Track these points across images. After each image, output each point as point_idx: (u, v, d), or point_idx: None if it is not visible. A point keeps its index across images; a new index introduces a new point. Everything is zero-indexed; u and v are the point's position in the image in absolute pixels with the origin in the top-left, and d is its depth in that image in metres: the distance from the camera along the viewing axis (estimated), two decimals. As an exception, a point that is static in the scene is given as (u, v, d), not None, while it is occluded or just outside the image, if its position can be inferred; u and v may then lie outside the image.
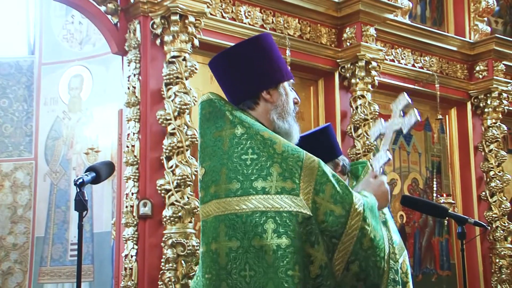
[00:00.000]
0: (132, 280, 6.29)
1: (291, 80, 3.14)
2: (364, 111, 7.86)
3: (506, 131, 9.67)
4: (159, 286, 6.21)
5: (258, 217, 2.73)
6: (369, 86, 7.98)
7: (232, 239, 2.75)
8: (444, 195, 8.72)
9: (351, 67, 7.93)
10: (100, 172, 3.65)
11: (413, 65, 8.94)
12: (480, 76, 9.53)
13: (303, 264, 2.72)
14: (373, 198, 2.93)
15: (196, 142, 6.40)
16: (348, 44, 7.98)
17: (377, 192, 3.01)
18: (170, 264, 6.18)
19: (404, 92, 3.09)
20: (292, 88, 3.13)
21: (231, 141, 2.87)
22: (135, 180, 6.43)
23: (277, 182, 2.77)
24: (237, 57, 3.16)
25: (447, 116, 9.53)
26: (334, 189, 2.80)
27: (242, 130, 2.88)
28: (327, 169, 2.84)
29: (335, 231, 2.76)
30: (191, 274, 6.12)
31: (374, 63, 7.94)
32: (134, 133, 6.50)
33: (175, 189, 6.27)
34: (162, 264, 6.22)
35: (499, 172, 9.37)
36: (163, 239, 6.26)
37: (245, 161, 2.82)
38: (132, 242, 6.36)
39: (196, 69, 6.50)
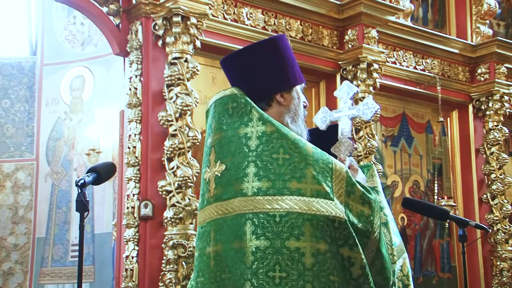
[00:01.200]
0: (133, 281, 6.28)
1: (303, 84, 3.14)
2: (365, 113, 7.85)
3: (507, 134, 9.67)
4: (159, 287, 6.21)
5: (294, 218, 2.71)
6: (371, 88, 7.97)
7: (261, 238, 2.71)
8: (445, 198, 8.71)
9: (353, 69, 7.93)
10: (101, 173, 3.65)
11: (415, 68, 8.93)
12: (482, 79, 9.52)
13: (341, 267, 2.74)
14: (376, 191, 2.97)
15: (197, 143, 6.42)
16: (349, 46, 7.98)
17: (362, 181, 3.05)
18: (171, 265, 6.17)
19: (346, 80, 3.07)
20: (302, 92, 3.13)
21: (260, 139, 2.84)
22: (136, 181, 6.42)
23: (312, 185, 2.76)
24: (252, 58, 3.11)
25: (448, 118, 9.53)
26: (359, 190, 2.83)
27: (272, 128, 2.86)
28: (349, 171, 2.88)
29: (366, 230, 2.81)
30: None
31: (375, 65, 7.93)
32: (135, 134, 6.50)
33: (176, 190, 6.26)
34: (163, 265, 6.22)
35: (500, 174, 9.36)
36: (164, 240, 6.26)
37: (276, 160, 2.80)
38: (133, 243, 6.36)
39: (197, 70, 6.49)
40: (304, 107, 3.08)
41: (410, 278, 4.32)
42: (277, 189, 2.76)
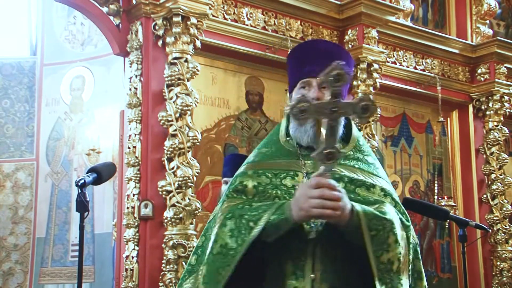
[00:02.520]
0: (133, 281, 6.29)
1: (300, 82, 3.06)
2: (365, 113, 7.85)
3: (507, 134, 9.67)
4: (159, 287, 6.21)
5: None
6: (371, 88, 7.97)
7: None
8: (445, 198, 8.72)
9: (353, 69, 7.92)
10: (102, 173, 3.65)
11: (415, 68, 8.94)
12: (482, 79, 9.52)
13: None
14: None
15: (198, 143, 6.43)
16: (350, 46, 7.97)
17: None
18: (171, 266, 6.18)
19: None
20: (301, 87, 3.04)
21: None
22: (136, 181, 6.42)
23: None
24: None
25: (448, 118, 9.53)
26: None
27: None
28: None
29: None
30: (192, 275, 6.10)
31: (375, 65, 7.93)
32: (135, 134, 6.50)
33: (176, 191, 6.26)
34: (163, 265, 6.22)
35: (500, 175, 9.36)
36: (164, 240, 6.26)
37: None
38: (133, 243, 6.36)
39: (198, 70, 6.49)
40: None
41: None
42: None
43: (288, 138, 3.08)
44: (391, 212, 2.83)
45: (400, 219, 2.87)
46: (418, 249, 3.00)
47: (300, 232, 2.84)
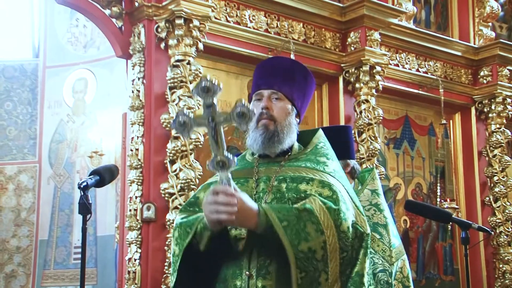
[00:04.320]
0: (136, 284, 6.29)
1: (255, 94, 3.26)
2: (368, 116, 7.86)
3: (510, 136, 9.66)
4: (162, 290, 6.22)
5: None
6: (373, 91, 7.98)
7: None
8: (448, 200, 8.71)
9: (355, 71, 7.93)
10: (104, 176, 3.65)
11: (417, 70, 8.93)
12: (484, 81, 9.52)
13: None
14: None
15: (200, 146, 6.43)
16: (352, 48, 7.98)
17: None
18: (174, 268, 6.17)
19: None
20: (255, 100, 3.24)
21: None
22: (138, 183, 6.42)
23: None
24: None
25: (451, 121, 9.53)
26: None
27: None
28: None
29: None
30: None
31: (378, 68, 7.93)
32: (138, 137, 6.50)
33: (179, 193, 6.27)
34: (166, 267, 6.22)
35: (503, 177, 9.37)
36: (167, 242, 6.26)
37: None
38: (135, 245, 6.35)
39: (200, 73, 6.50)
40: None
41: (411, 280, 4.35)
42: None
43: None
44: (314, 204, 2.92)
45: (329, 207, 2.92)
46: (367, 238, 3.01)
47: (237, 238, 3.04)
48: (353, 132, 7.89)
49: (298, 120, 3.24)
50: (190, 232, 2.97)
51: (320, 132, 3.33)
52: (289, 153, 3.19)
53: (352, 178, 4.47)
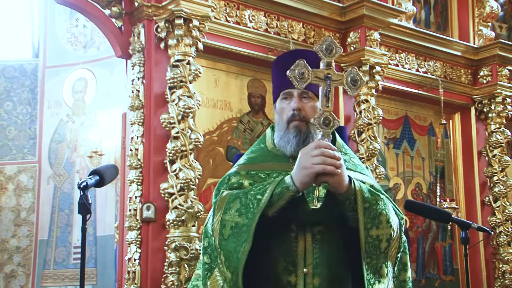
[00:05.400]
0: (135, 284, 6.28)
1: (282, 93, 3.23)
2: (368, 116, 7.86)
3: (510, 136, 9.65)
4: (162, 290, 6.22)
5: None
6: (373, 91, 7.97)
7: None
8: (448, 200, 8.71)
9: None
10: (104, 176, 3.66)
11: (417, 70, 8.93)
12: (484, 81, 9.52)
13: None
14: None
15: (200, 146, 6.42)
16: (352, 48, 7.98)
17: None
18: (173, 268, 6.17)
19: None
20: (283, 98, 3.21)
21: None
22: (138, 183, 6.42)
23: None
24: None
25: (451, 121, 9.53)
26: None
27: None
28: None
29: None
30: (194, 278, 6.10)
31: (378, 68, 7.93)
32: (137, 137, 6.50)
33: (179, 193, 6.26)
34: (165, 267, 6.21)
35: (502, 177, 9.36)
36: (166, 242, 6.25)
37: None
38: (135, 245, 6.35)
39: (200, 72, 6.49)
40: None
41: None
42: None
43: (274, 146, 3.23)
44: (385, 199, 2.98)
45: (394, 209, 3.01)
46: (407, 245, 3.11)
47: (291, 228, 2.97)
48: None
49: None
50: (264, 196, 2.86)
51: (336, 134, 3.30)
52: None
53: None
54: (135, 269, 6.31)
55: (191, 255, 6.15)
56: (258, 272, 2.96)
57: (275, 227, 2.92)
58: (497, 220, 9.24)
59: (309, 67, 2.89)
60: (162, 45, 6.57)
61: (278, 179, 2.88)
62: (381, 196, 2.95)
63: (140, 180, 6.42)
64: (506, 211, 9.25)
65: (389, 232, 2.89)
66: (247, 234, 2.82)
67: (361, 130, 7.87)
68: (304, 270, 2.91)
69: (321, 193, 3.02)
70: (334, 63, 2.95)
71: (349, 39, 8.02)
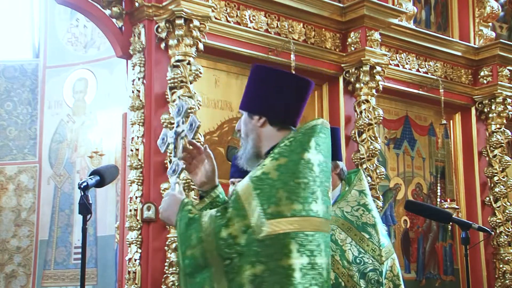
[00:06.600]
0: (136, 284, 6.28)
1: None
2: (368, 116, 7.86)
3: (510, 137, 9.65)
4: (162, 290, 6.21)
5: None
6: (374, 91, 7.97)
7: None
8: (448, 200, 8.70)
9: (356, 71, 7.93)
10: (104, 176, 3.66)
11: (418, 70, 8.93)
12: (485, 82, 9.52)
13: None
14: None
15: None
16: (352, 48, 7.98)
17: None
18: (174, 268, 6.17)
19: (179, 97, 3.26)
20: None
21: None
22: (139, 183, 6.42)
23: None
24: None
25: (451, 121, 9.53)
26: None
27: None
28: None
29: None
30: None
31: (378, 68, 7.93)
32: (138, 137, 6.50)
33: (179, 193, 6.25)
34: (166, 268, 6.22)
35: (503, 177, 9.36)
36: (167, 243, 6.26)
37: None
38: (135, 245, 6.35)
39: (200, 73, 6.50)
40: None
41: (401, 278, 4.39)
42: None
43: None
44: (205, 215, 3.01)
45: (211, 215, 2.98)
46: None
47: None
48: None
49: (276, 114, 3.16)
50: None
51: (290, 134, 3.12)
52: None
53: (340, 179, 4.52)
54: (135, 269, 6.31)
55: (191, 255, 6.14)
56: None
57: None
58: (497, 220, 9.23)
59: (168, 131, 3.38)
60: (162, 45, 6.57)
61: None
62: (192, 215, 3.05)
63: (140, 180, 6.42)
64: (507, 211, 9.24)
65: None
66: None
67: (362, 130, 7.87)
68: None
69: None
70: (183, 120, 3.30)
71: (349, 39, 8.02)
